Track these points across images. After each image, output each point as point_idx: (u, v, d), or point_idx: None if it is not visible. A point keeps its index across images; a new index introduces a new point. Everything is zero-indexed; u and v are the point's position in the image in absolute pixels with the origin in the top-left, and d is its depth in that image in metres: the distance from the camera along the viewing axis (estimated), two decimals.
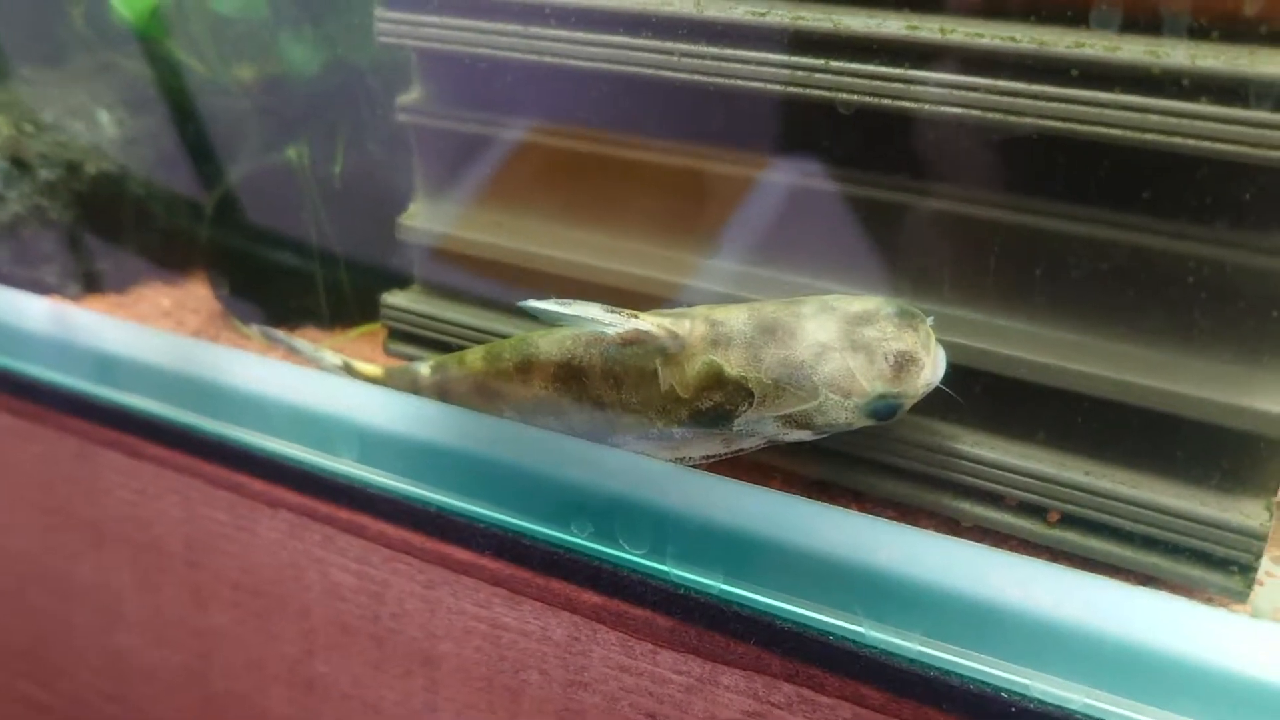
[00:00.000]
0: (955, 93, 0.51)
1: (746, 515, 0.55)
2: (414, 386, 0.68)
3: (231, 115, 0.80)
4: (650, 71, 0.57)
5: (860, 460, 0.59)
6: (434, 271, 0.70)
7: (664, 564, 0.57)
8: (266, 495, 0.72)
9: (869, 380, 0.51)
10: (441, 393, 0.66)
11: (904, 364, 0.51)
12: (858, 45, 0.53)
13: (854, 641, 0.53)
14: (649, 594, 0.58)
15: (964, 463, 0.56)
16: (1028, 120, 0.50)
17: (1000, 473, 0.55)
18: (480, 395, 0.64)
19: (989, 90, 0.50)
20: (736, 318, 0.55)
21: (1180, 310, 0.50)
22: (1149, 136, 0.47)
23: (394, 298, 0.72)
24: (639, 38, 0.57)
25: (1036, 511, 0.55)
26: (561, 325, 0.59)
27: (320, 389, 0.68)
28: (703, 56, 0.56)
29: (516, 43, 0.60)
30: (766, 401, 0.54)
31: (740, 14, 0.55)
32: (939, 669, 0.51)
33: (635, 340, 0.57)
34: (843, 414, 0.52)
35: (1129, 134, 0.48)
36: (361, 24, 0.75)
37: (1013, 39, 0.49)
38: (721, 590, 0.56)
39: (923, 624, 0.51)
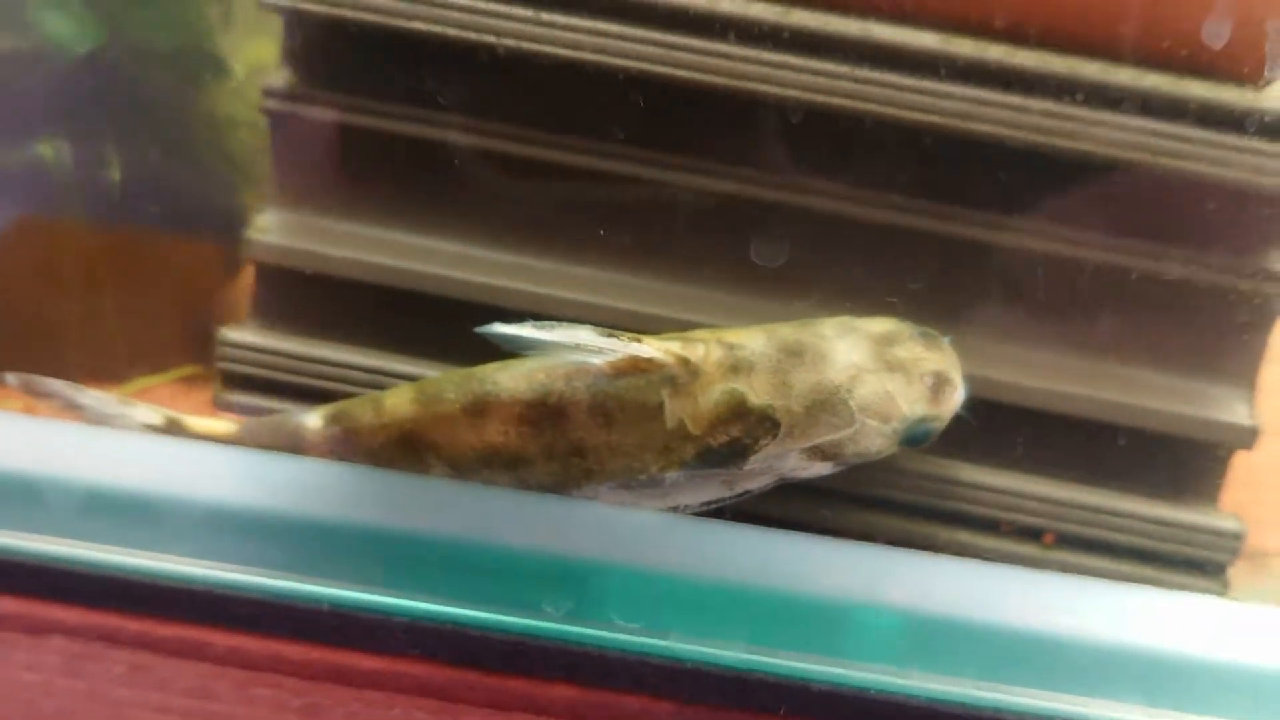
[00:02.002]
0: None
1: (780, 569, 0.48)
2: (294, 444, 0.52)
3: None
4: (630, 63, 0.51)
5: (842, 496, 0.56)
6: (294, 301, 0.55)
7: (666, 639, 0.49)
8: (26, 619, 0.51)
9: (909, 403, 0.48)
10: (340, 449, 0.52)
11: (940, 384, 0.49)
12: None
13: (900, 693, 0.48)
14: (647, 676, 0.49)
15: (961, 490, 0.54)
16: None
17: (999, 497, 0.55)
18: (404, 449, 0.51)
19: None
20: (754, 340, 0.49)
21: (1152, 329, 0.54)
22: None
23: (237, 333, 0.56)
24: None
25: (1032, 535, 0.55)
26: (522, 356, 0.49)
27: (135, 456, 0.50)
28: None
29: (445, 15, 0.50)
30: (795, 432, 0.48)
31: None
32: (992, 709, 0.48)
33: (633, 370, 0.48)
34: (878, 441, 0.48)
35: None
36: None
37: None
38: (740, 659, 0.49)
39: (975, 665, 0.48)
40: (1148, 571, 0.55)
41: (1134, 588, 0.50)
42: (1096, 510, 0.55)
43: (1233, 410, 0.53)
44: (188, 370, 0.63)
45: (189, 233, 0.63)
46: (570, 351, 0.48)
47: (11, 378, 0.52)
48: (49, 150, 0.56)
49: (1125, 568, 0.55)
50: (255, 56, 0.65)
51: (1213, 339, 0.54)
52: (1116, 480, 0.56)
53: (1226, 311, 0.53)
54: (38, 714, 0.53)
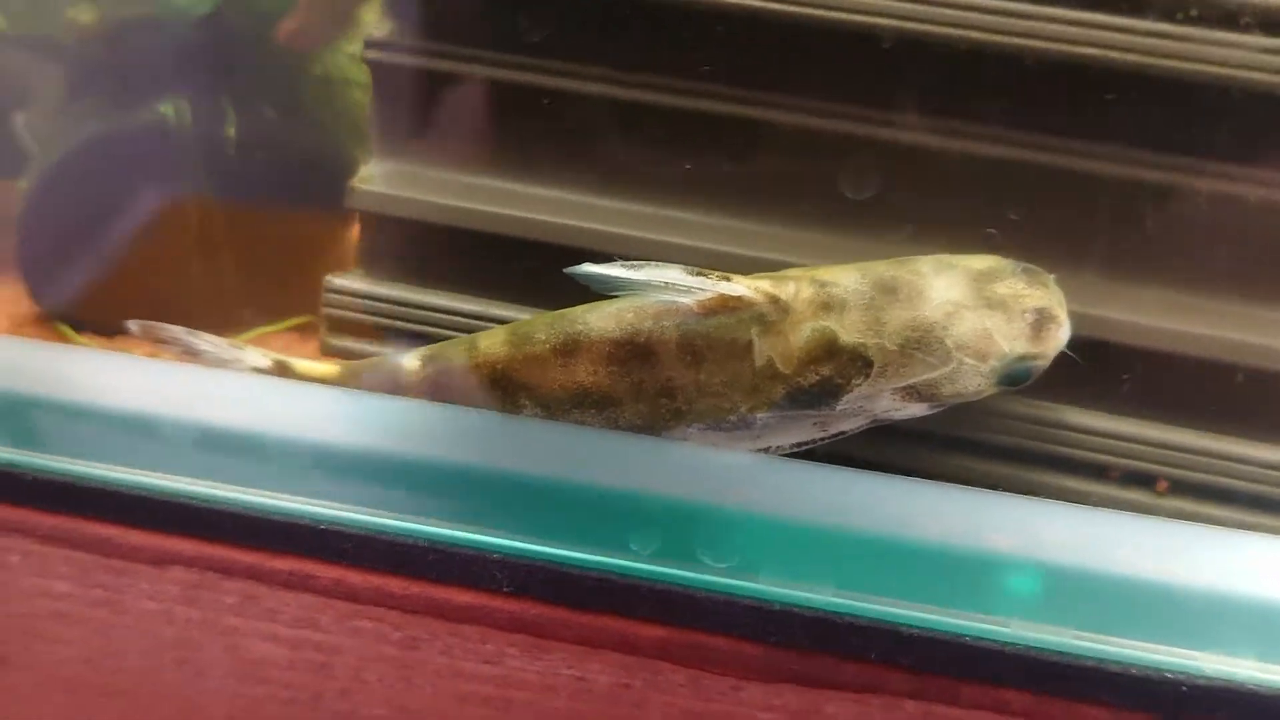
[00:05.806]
0: None
1: (871, 511, 0.47)
2: (394, 385, 0.54)
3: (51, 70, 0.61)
4: None
5: (941, 440, 0.55)
6: (397, 248, 0.57)
7: (755, 581, 0.48)
8: (151, 550, 0.54)
9: (1008, 341, 0.47)
10: (436, 390, 0.54)
11: (1044, 322, 0.47)
12: None
13: (996, 641, 0.47)
14: (737, 617, 0.49)
15: (1066, 434, 0.52)
16: None
17: (1107, 441, 0.53)
18: (497, 389, 0.52)
19: None
20: (847, 278, 0.49)
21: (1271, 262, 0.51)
22: None
23: (342, 280, 0.59)
24: None
25: (1144, 482, 0.53)
26: (612, 296, 0.49)
27: (250, 398, 0.53)
28: None
29: None
30: (888, 372, 0.47)
31: None
32: (1094, 658, 0.46)
33: (722, 308, 0.48)
34: (975, 380, 0.47)
35: None
36: None
37: None
38: (830, 603, 0.48)
39: (1078, 613, 0.47)
40: (1267, 520, 0.53)
41: (1255, 536, 0.48)
42: (1212, 455, 0.52)
43: None
44: (301, 319, 0.66)
45: (303, 190, 0.65)
46: (659, 290, 0.48)
47: (134, 325, 0.55)
48: (170, 111, 0.59)
49: (1243, 516, 0.53)
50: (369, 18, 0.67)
51: None
52: (1233, 423, 0.53)
53: None
54: (158, 640, 0.56)
